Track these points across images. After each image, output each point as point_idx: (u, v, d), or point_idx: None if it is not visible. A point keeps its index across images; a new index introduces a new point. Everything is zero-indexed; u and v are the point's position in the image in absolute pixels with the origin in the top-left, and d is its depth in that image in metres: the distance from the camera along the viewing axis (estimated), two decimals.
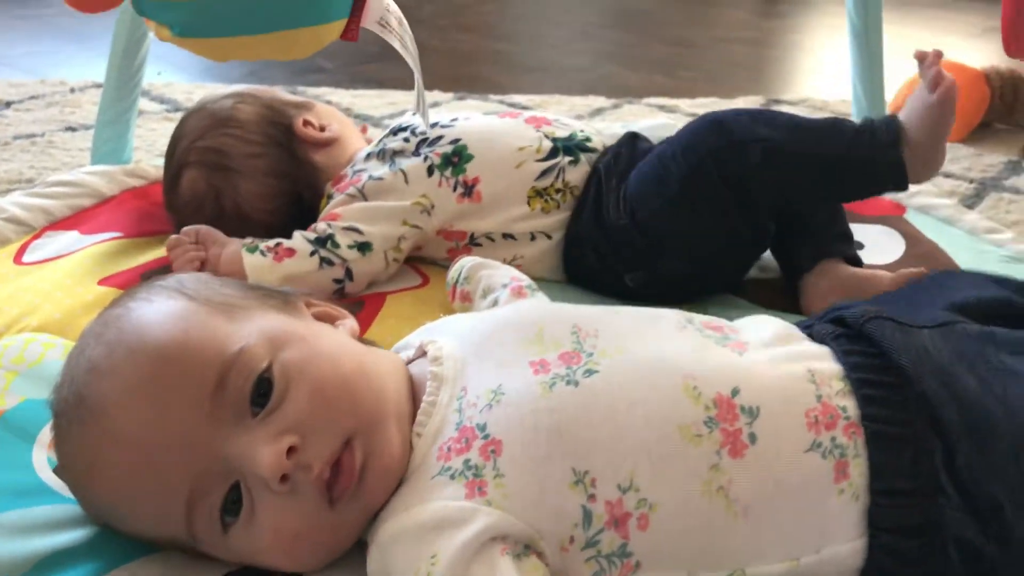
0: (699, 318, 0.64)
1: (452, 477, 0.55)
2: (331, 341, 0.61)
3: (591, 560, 0.53)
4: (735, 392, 0.56)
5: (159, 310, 0.58)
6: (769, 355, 0.60)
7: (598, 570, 0.53)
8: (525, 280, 0.80)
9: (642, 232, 0.90)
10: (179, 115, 1.51)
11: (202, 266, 0.92)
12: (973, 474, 0.54)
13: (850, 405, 0.57)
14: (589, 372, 0.57)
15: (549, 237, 0.96)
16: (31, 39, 2.08)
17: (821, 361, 0.59)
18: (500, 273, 0.81)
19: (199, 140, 0.98)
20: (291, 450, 0.53)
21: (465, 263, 0.84)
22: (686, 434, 0.54)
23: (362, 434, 0.56)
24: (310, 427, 0.54)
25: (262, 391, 0.55)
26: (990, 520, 0.54)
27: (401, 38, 0.72)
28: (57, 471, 0.63)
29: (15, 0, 2.38)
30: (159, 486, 0.54)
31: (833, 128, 0.88)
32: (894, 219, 1.15)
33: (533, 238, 0.96)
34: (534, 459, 0.54)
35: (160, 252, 0.99)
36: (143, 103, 1.23)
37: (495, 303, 0.77)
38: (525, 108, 1.67)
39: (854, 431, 0.56)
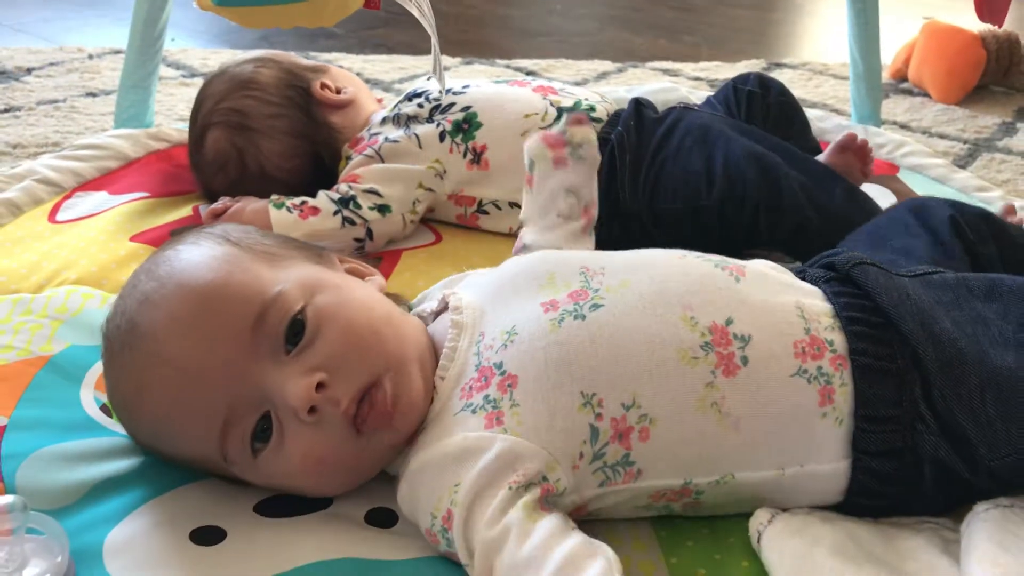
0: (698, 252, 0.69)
1: (473, 412, 0.60)
2: (362, 292, 0.66)
3: (598, 471, 0.59)
4: (729, 321, 0.61)
5: (207, 253, 0.63)
6: (765, 286, 0.65)
7: (604, 479, 0.59)
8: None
9: (656, 222, 0.94)
10: (195, 80, 1.56)
11: (224, 212, 0.97)
12: (948, 405, 0.59)
13: (838, 339, 0.62)
14: (595, 306, 0.62)
15: None
16: (44, 6, 2.11)
17: (811, 298, 0.65)
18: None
19: (222, 102, 1.03)
20: (320, 385, 0.58)
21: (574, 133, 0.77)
22: (684, 357, 0.60)
23: (390, 373, 0.60)
24: (338, 365, 0.59)
25: (296, 330, 0.60)
26: (961, 445, 0.59)
27: (419, 5, 0.76)
28: (107, 398, 0.67)
29: None
30: (199, 407, 0.59)
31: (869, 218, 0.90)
32: (887, 178, 1.20)
33: None
34: (546, 388, 0.59)
35: (185, 211, 1.05)
36: (160, 69, 1.27)
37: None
38: (531, 73, 1.71)
39: (840, 363, 0.61)
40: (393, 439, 0.61)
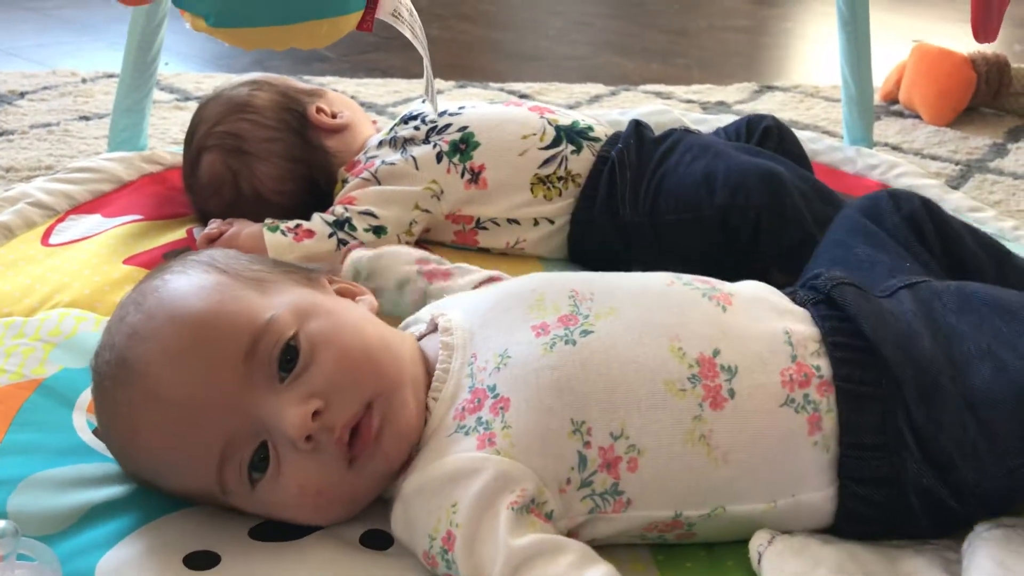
0: (688, 276, 0.69)
1: (466, 433, 0.60)
2: (354, 314, 0.65)
3: (586, 499, 0.59)
4: (716, 353, 0.61)
5: (195, 282, 0.62)
6: (752, 314, 0.64)
7: (593, 506, 0.59)
8: (434, 258, 0.83)
9: (657, 234, 0.94)
10: (189, 104, 1.56)
11: (219, 236, 0.97)
12: (931, 431, 0.59)
13: (824, 365, 0.62)
14: (585, 332, 0.62)
15: (552, 222, 1.01)
16: (38, 31, 2.11)
17: (800, 323, 0.64)
18: (404, 259, 0.83)
19: (217, 125, 1.03)
20: (316, 413, 0.58)
21: (360, 258, 0.85)
22: (671, 388, 0.60)
23: (381, 399, 0.60)
24: (333, 392, 0.59)
25: (289, 357, 0.59)
26: (946, 473, 0.59)
27: (412, 28, 0.76)
28: (98, 432, 0.67)
29: None
30: (195, 443, 0.58)
31: None
32: None
33: (536, 223, 1.01)
34: (538, 411, 0.59)
35: (179, 234, 1.04)
36: (154, 93, 1.27)
37: (424, 298, 0.80)
38: (524, 96, 1.72)
39: (827, 389, 0.61)
40: (385, 465, 0.61)
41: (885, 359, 0.60)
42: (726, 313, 0.64)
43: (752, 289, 0.68)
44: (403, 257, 0.84)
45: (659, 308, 0.64)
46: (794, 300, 0.68)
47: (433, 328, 0.68)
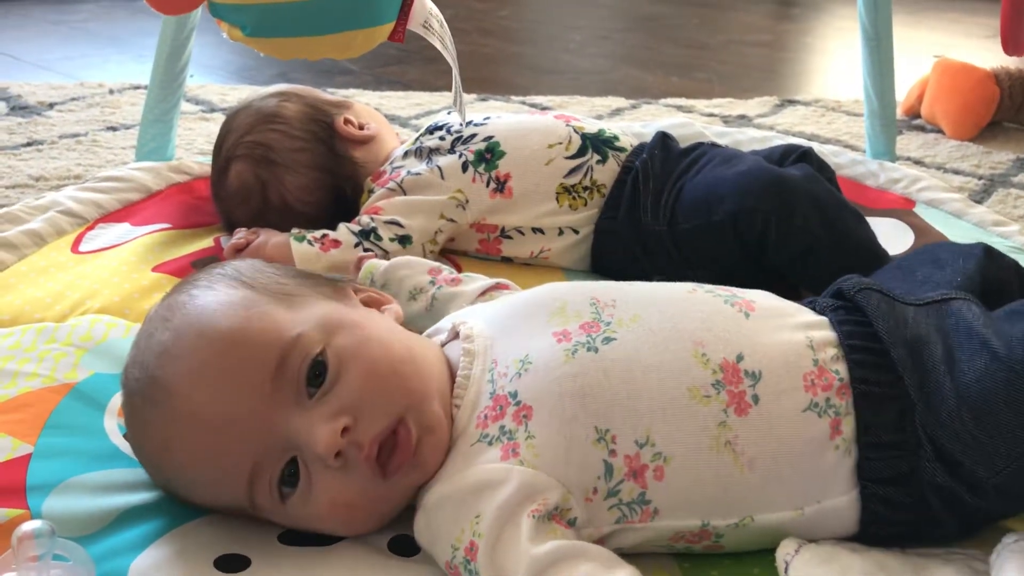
0: (709, 285, 0.69)
1: (489, 443, 0.60)
2: (380, 327, 0.66)
3: (613, 508, 0.59)
4: (740, 358, 0.61)
5: (222, 298, 0.62)
6: (774, 320, 0.65)
7: (620, 516, 0.59)
8: (446, 268, 0.84)
9: (676, 243, 0.94)
10: (215, 115, 1.58)
11: (246, 246, 0.98)
12: (934, 431, 0.59)
13: (842, 369, 0.62)
14: (607, 340, 0.62)
15: (576, 232, 1.01)
16: (65, 44, 2.14)
17: (819, 330, 0.65)
18: (418, 270, 0.84)
19: (246, 135, 1.04)
20: (345, 429, 0.58)
21: (377, 267, 0.86)
22: (696, 395, 0.60)
23: (413, 412, 0.60)
24: (362, 407, 0.59)
25: (316, 373, 0.60)
26: (957, 469, 0.59)
27: (442, 39, 0.77)
28: (131, 449, 0.66)
29: (48, 7, 2.45)
30: (225, 461, 0.59)
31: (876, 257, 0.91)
32: (903, 212, 1.20)
33: (561, 232, 1.01)
34: (561, 420, 0.59)
35: (207, 242, 1.05)
36: (181, 104, 1.29)
37: (431, 302, 0.81)
38: (546, 109, 1.73)
39: (845, 392, 0.61)
40: (422, 476, 0.61)
41: (893, 360, 0.61)
42: (748, 319, 0.64)
43: (771, 298, 0.69)
44: (417, 267, 0.85)
45: (681, 315, 0.64)
46: (814, 309, 0.68)
47: (454, 336, 0.68)
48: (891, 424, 0.60)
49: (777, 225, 0.88)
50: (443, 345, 0.69)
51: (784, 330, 0.64)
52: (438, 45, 0.79)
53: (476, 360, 0.64)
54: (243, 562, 0.60)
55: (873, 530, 0.61)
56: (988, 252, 0.75)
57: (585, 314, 0.64)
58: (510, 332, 0.65)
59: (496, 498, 0.57)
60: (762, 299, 0.68)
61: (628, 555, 0.60)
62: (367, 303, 0.70)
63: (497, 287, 0.80)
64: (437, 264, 0.86)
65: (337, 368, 0.60)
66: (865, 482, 0.60)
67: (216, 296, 0.62)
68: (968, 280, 0.70)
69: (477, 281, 0.81)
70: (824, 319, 0.66)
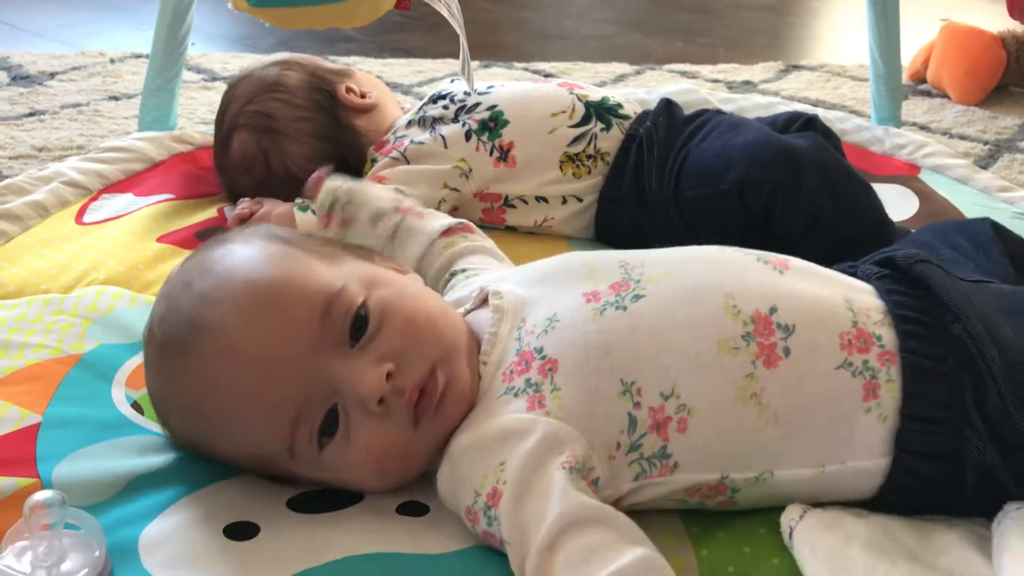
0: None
1: (515, 395, 0.61)
2: (414, 286, 0.68)
3: (634, 463, 0.59)
4: (772, 310, 0.61)
5: (262, 251, 0.63)
6: (810, 280, 0.64)
7: (639, 472, 0.59)
8: (409, 200, 0.86)
9: (681, 211, 0.94)
10: (216, 84, 1.57)
11: (250, 216, 0.98)
12: (1007, 410, 0.58)
13: (887, 335, 0.61)
14: (637, 297, 0.63)
15: (580, 200, 1.01)
16: (65, 12, 2.12)
17: (860, 293, 0.64)
18: (379, 194, 0.85)
19: (248, 104, 1.04)
20: (388, 375, 0.59)
21: (339, 186, 0.86)
22: (724, 347, 0.60)
23: (443, 362, 0.62)
24: (403, 355, 0.61)
25: (359, 325, 0.61)
26: (1014, 452, 0.58)
27: (448, 6, 0.77)
28: (157, 402, 0.66)
29: None
30: (271, 402, 0.59)
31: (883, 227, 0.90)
32: (908, 178, 1.19)
33: (565, 201, 1.01)
34: (586, 373, 0.60)
35: (210, 213, 1.05)
36: (183, 73, 1.28)
37: (395, 230, 0.82)
38: (550, 75, 1.71)
39: (888, 359, 0.60)
40: (445, 427, 0.62)
41: (971, 335, 0.59)
42: (783, 276, 0.64)
43: (803, 261, 0.68)
44: (380, 193, 0.86)
45: (713, 270, 0.64)
46: (853, 275, 0.67)
47: (480, 303, 0.69)
48: (938, 399, 0.59)
49: (784, 196, 0.88)
50: (467, 314, 0.69)
51: (822, 288, 0.64)
52: (445, 13, 0.78)
53: (505, 318, 0.65)
54: (253, 530, 0.61)
55: (891, 498, 0.61)
56: (997, 231, 0.74)
57: (614, 275, 0.65)
58: (540, 293, 0.66)
59: (522, 447, 0.57)
60: (796, 259, 0.67)
61: (639, 512, 0.60)
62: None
63: (463, 228, 0.82)
64: (401, 196, 0.87)
65: (379, 318, 0.61)
66: (902, 452, 0.59)
67: (256, 249, 0.64)
68: (994, 263, 0.69)
69: (441, 219, 0.83)
70: (868, 286, 0.65)
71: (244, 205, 1.01)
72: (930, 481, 0.60)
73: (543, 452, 0.57)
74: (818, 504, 0.61)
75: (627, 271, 0.65)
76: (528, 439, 0.58)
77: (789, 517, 0.60)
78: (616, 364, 0.60)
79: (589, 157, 1.00)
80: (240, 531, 0.61)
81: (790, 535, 0.59)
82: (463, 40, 0.83)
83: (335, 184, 0.86)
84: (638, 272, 0.65)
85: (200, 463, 0.65)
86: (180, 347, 0.61)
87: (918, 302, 0.63)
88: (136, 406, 0.72)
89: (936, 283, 0.63)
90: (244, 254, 0.63)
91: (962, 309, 0.61)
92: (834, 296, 0.63)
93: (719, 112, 1.05)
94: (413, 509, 0.63)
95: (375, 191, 0.87)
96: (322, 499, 0.63)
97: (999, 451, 0.58)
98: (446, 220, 0.84)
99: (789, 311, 0.61)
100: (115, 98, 1.49)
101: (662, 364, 0.60)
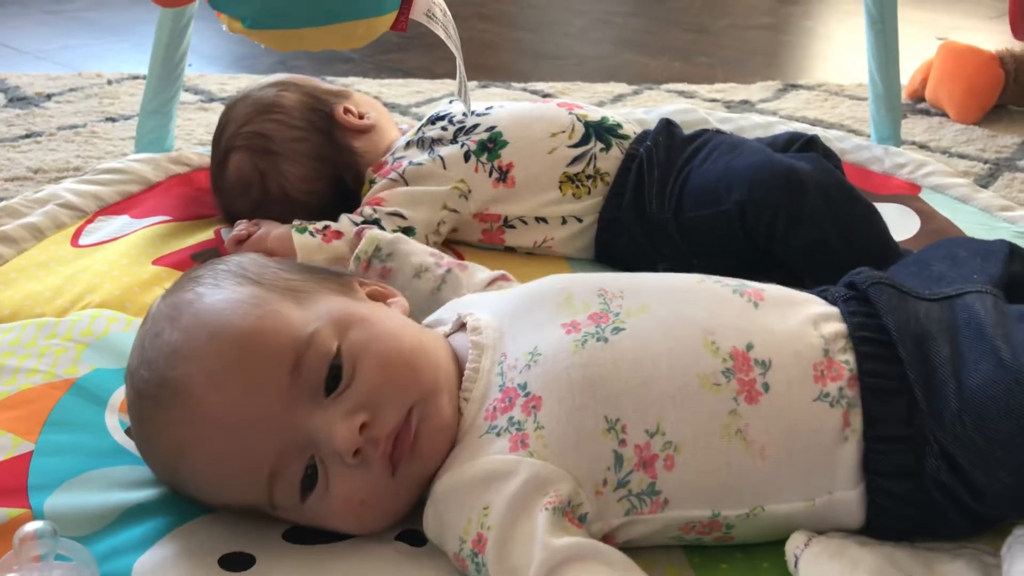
0: (717, 276, 0.68)
1: (498, 434, 0.59)
2: (390, 320, 0.65)
3: (623, 499, 0.58)
4: (749, 347, 0.61)
5: (230, 296, 0.61)
6: (783, 310, 0.64)
7: (630, 508, 0.59)
8: (447, 255, 0.84)
9: (681, 232, 0.94)
10: (214, 105, 1.57)
11: (248, 237, 0.97)
12: (937, 431, 0.58)
13: (851, 360, 0.61)
14: (616, 330, 0.62)
15: (580, 220, 1.00)
16: (63, 34, 2.13)
17: (829, 320, 0.64)
18: (420, 251, 0.84)
19: (245, 126, 1.03)
20: (363, 426, 0.58)
21: (382, 237, 0.84)
22: (706, 383, 0.59)
23: (421, 403, 0.60)
24: (378, 402, 0.59)
25: (334, 375, 0.59)
26: (959, 472, 0.58)
27: (445, 27, 0.76)
28: (140, 453, 0.65)
29: None
30: (244, 463, 0.58)
31: (886, 248, 0.90)
32: (909, 198, 1.19)
33: (564, 221, 1.01)
34: (570, 410, 0.59)
35: (207, 234, 1.05)
36: (180, 95, 1.28)
37: (440, 284, 0.80)
38: (548, 95, 1.71)
39: (855, 383, 0.60)
40: (424, 469, 0.61)
41: (900, 357, 0.60)
42: (758, 309, 0.64)
43: (780, 288, 0.68)
44: (420, 247, 0.85)
45: (690, 304, 0.64)
46: (825, 299, 0.67)
47: (459, 327, 0.68)
48: (898, 418, 0.59)
49: (786, 218, 0.87)
50: (447, 335, 0.68)
51: (793, 320, 0.63)
52: (441, 34, 0.77)
53: (485, 353, 0.64)
54: (248, 560, 0.60)
55: (880, 523, 0.60)
56: (1012, 252, 0.73)
57: (593, 305, 0.64)
58: (518, 324, 0.65)
59: (505, 490, 0.56)
60: (771, 289, 0.67)
61: (637, 547, 0.60)
62: (373, 296, 0.70)
63: (503, 278, 0.80)
64: (436, 250, 0.86)
65: (352, 365, 0.59)
66: (871, 476, 0.59)
67: (224, 294, 0.61)
68: (989, 279, 0.68)
69: (483, 272, 0.81)
70: (835, 310, 0.65)
71: (241, 227, 1.00)
72: (908, 502, 0.59)
73: (527, 495, 0.56)
74: (823, 531, 0.60)
75: (606, 301, 0.64)
76: (511, 481, 0.57)
77: (794, 545, 0.59)
78: (600, 399, 0.59)
79: (589, 177, 1.00)
80: (235, 562, 0.60)
81: (795, 563, 0.58)
82: (460, 61, 0.83)
83: (378, 234, 0.85)
84: (617, 304, 0.64)
85: None
86: (153, 404, 0.60)
87: (878, 322, 0.62)
88: (130, 432, 0.71)
89: (881, 305, 0.63)
90: (212, 302, 0.61)
91: (898, 331, 0.61)
92: (806, 326, 0.63)
93: (719, 132, 1.05)
94: (412, 538, 0.62)
95: (416, 244, 0.85)
96: (319, 530, 0.62)
97: (949, 469, 0.58)
98: (488, 273, 0.81)
99: (765, 346, 0.61)
100: (112, 119, 1.49)
101: (645, 399, 0.59)
